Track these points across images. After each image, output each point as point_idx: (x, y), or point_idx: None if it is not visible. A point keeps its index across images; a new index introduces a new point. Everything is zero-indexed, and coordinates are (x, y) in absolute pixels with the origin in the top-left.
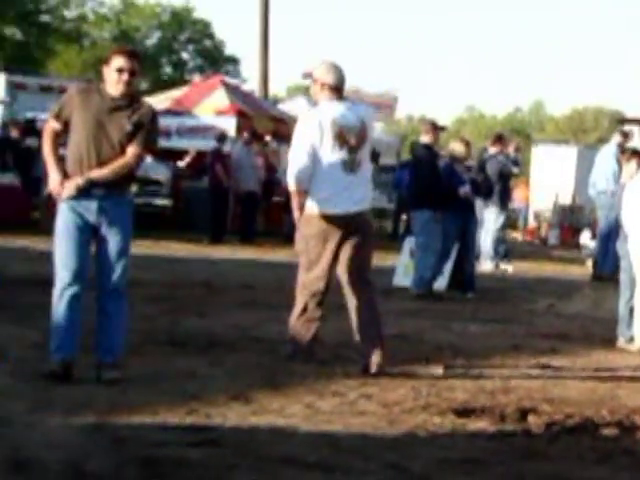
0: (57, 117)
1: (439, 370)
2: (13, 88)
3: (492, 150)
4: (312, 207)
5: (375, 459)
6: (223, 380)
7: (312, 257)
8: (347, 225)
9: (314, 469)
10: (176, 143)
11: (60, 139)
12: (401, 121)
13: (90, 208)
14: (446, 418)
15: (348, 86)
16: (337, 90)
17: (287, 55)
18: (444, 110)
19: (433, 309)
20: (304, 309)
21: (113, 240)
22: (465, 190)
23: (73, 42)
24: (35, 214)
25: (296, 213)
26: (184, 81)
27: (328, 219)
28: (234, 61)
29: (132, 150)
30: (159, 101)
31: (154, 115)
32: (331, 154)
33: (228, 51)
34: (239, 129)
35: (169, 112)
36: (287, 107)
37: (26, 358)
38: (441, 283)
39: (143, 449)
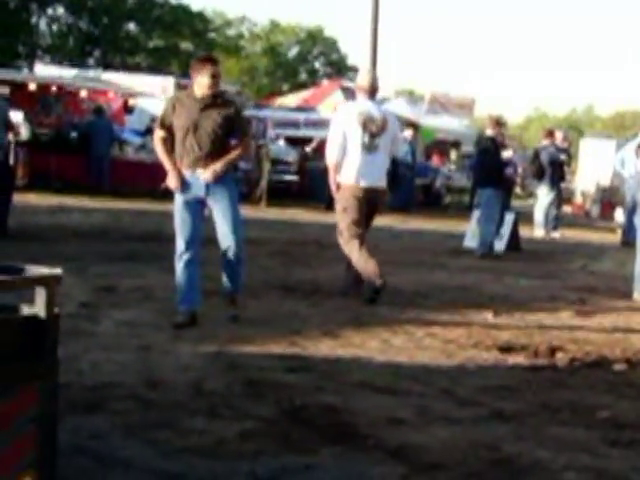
0: (162, 126)
1: (489, 315)
2: (181, 89)
3: (544, 142)
4: (346, 180)
5: (430, 385)
6: (319, 319)
7: (351, 218)
8: (368, 195)
9: (382, 392)
10: (303, 133)
11: (167, 144)
12: (480, 118)
13: (197, 190)
14: (491, 353)
15: (439, 90)
16: (368, 91)
17: (395, 63)
18: (516, 110)
19: (492, 266)
20: (360, 255)
21: (222, 210)
22: (509, 172)
23: (232, 54)
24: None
25: (333, 184)
26: (316, 85)
27: (357, 189)
28: (355, 70)
29: (243, 141)
30: (293, 100)
31: (237, 108)
32: (356, 137)
33: (350, 62)
34: None
35: (299, 108)
36: (391, 106)
37: (170, 299)
38: (500, 246)
39: (250, 372)
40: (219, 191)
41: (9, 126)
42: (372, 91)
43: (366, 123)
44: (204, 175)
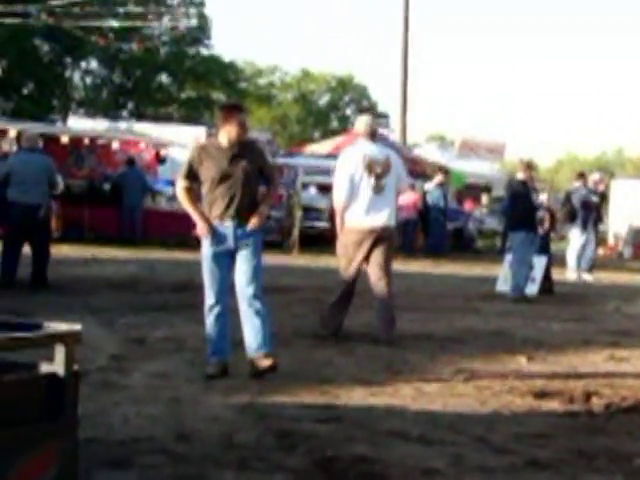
0: (186, 176)
1: (523, 360)
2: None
3: (576, 184)
4: (350, 221)
5: (465, 433)
6: (352, 367)
7: (350, 258)
8: (376, 235)
9: (416, 441)
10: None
11: (192, 193)
12: (511, 162)
13: (227, 241)
14: (525, 400)
15: (468, 135)
16: (368, 135)
17: (426, 109)
18: (547, 153)
19: (524, 310)
20: (339, 299)
21: (247, 259)
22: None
23: (264, 103)
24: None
25: (339, 226)
26: (346, 132)
27: (362, 231)
28: (385, 116)
29: (271, 188)
30: (325, 146)
31: (265, 156)
32: (363, 180)
33: (381, 108)
34: None
35: (331, 155)
36: (421, 151)
37: (201, 349)
38: (532, 289)
39: (281, 423)
40: (247, 243)
41: (53, 184)
42: (371, 134)
43: (371, 165)
44: (251, 224)
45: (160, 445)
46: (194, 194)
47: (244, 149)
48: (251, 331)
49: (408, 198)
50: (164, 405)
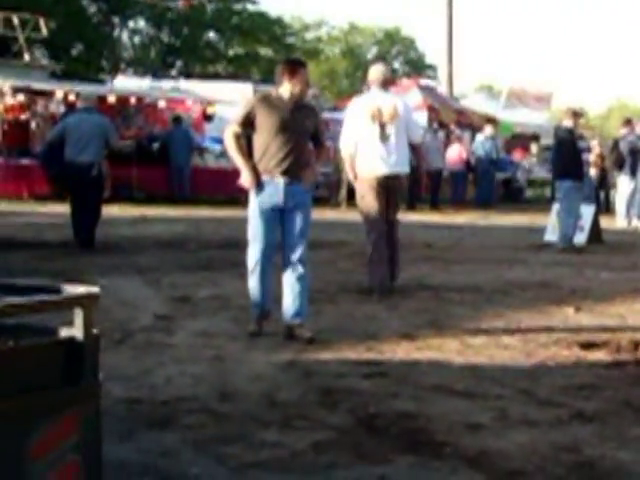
0: (242, 123)
1: (570, 311)
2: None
3: (623, 131)
4: (360, 171)
5: (509, 386)
6: (397, 322)
7: (369, 207)
8: (386, 183)
9: (459, 395)
10: None
11: (241, 141)
12: (559, 111)
13: (274, 195)
14: (572, 351)
15: (515, 85)
16: (379, 83)
17: (474, 59)
18: (597, 101)
19: (572, 260)
20: (374, 247)
21: (294, 220)
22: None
23: (311, 58)
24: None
25: (350, 174)
26: (393, 84)
27: (372, 179)
28: (433, 68)
29: (324, 146)
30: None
31: (318, 114)
32: (368, 127)
33: (428, 60)
34: (429, 120)
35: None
36: (468, 102)
37: (245, 307)
38: (581, 238)
39: (325, 380)
40: (298, 202)
41: (109, 143)
42: (384, 83)
43: (375, 114)
44: (306, 180)
45: (203, 404)
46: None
47: (303, 106)
48: (290, 295)
49: (454, 150)
50: (207, 364)
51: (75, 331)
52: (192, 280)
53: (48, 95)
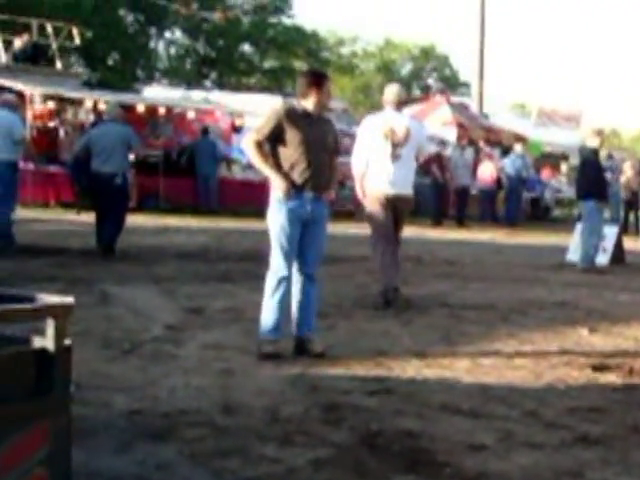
0: (268, 136)
1: (585, 332)
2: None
3: None
4: (369, 188)
5: (517, 407)
6: (409, 339)
7: (378, 222)
8: (393, 202)
9: (464, 415)
10: None
11: (264, 150)
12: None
13: (301, 208)
14: (583, 372)
15: (545, 104)
16: (393, 103)
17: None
18: (631, 123)
19: (593, 281)
20: (384, 254)
21: (315, 235)
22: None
23: (346, 72)
24: None
25: (359, 192)
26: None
27: (380, 197)
28: (466, 85)
29: (337, 160)
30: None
31: (334, 124)
32: (380, 146)
33: (462, 77)
34: (458, 137)
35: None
36: (498, 120)
37: (258, 320)
38: (603, 259)
39: (330, 396)
40: (320, 217)
41: (132, 150)
42: (398, 103)
43: (387, 133)
44: (328, 195)
45: (205, 417)
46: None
47: (324, 120)
48: (303, 309)
49: (486, 168)
50: (214, 377)
51: (47, 342)
52: (208, 291)
53: (78, 103)
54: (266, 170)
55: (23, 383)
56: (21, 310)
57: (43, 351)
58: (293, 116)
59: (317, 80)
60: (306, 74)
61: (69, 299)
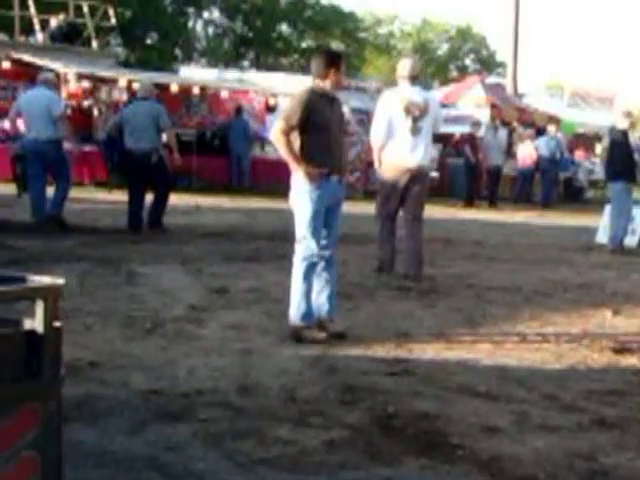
0: (299, 122)
1: (608, 314)
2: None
3: None
4: (387, 160)
5: (535, 389)
6: (431, 320)
7: (387, 194)
8: (410, 174)
9: (482, 397)
10: (443, 129)
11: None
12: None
13: (330, 192)
14: (604, 355)
15: (579, 84)
16: (409, 78)
17: (542, 58)
18: None
19: (620, 262)
20: (383, 231)
21: (336, 217)
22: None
23: (383, 53)
24: None
25: (377, 163)
26: (459, 80)
27: (398, 169)
28: (503, 66)
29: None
30: (435, 95)
31: None
32: (400, 121)
33: (499, 58)
34: (492, 117)
35: (440, 103)
36: (532, 100)
37: (281, 300)
38: (632, 241)
39: (348, 377)
40: (340, 198)
41: (162, 129)
42: (412, 77)
43: (409, 108)
44: (347, 177)
45: (221, 398)
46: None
47: (337, 98)
48: (325, 291)
49: (525, 149)
50: (234, 357)
51: (36, 323)
52: (234, 271)
53: (112, 82)
54: (294, 161)
55: (11, 365)
56: (8, 292)
57: (32, 333)
58: (317, 100)
59: (336, 60)
60: (324, 53)
61: (59, 280)
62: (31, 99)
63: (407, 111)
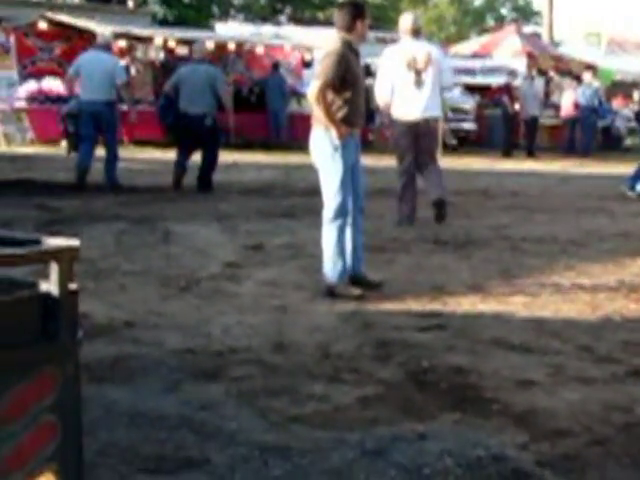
0: (331, 78)
1: None
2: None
3: None
4: (395, 115)
5: (570, 341)
6: (467, 273)
7: (401, 150)
8: (421, 126)
9: (517, 350)
10: (480, 80)
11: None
12: None
13: (354, 147)
14: None
15: (616, 32)
16: (411, 32)
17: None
18: None
19: None
20: (401, 190)
21: (360, 170)
22: None
23: (420, 4)
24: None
25: (385, 120)
26: (494, 30)
27: (406, 123)
28: (539, 15)
29: None
30: (470, 45)
31: None
32: (404, 75)
33: (535, 7)
34: (528, 67)
35: (475, 55)
36: (568, 49)
37: (316, 256)
38: None
39: (382, 332)
40: (359, 149)
41: (218, 94)
42: (415, 31)
43: (411, 62)
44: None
45: (255, 356)
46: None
47: (358, 50)
48: (355, 248)
49: (568, 99)
50: (268, 314)
51: (51, 286)
52: (269, 228)
53: (148, 41)
54: (331, 122)
55: (26, 329)
56: (21, 255)
57: (47, 296)
58: (350, 55)
59: (361, 11)
60: (349, 5)
61: (75, 242)
62: (93, 61)
63: (409, 65)
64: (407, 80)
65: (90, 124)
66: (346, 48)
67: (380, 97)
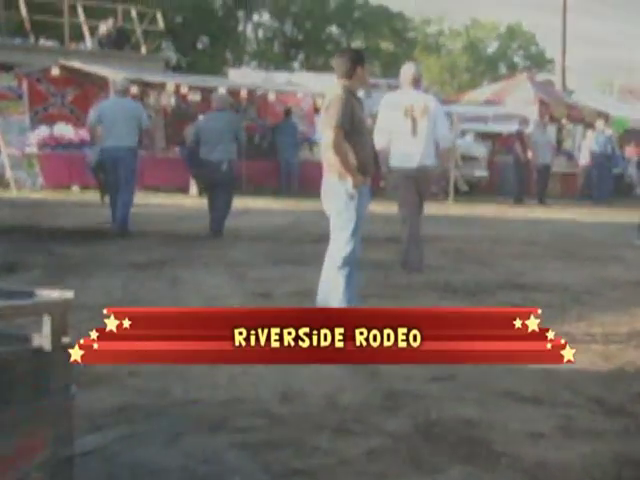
0: (342, 124)
1: None
2: (369, 88)
3: None
4: (391, 163)
5: (581, 392)
6: None
7: (400, 198)
8: (416, 175)
9: (527, 402)
10: (492, 127)
11: None
12: None
13: (366, 196)
14: None
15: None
16: (411, 82)
17: (591, 55)
18: None
19: None
20: (402, 232)
21: (363, 222)
22: None
23: (433, 52)
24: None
25: (383, 167)
26: (507, 78)
27: (400, 171)
28: (552, 63)
29: None
30: (482, 93)
31: None
32: (401, 122)
33: (548, 55)
34: (540, 115)
35: (488, 102)
36: (581, 97)
37: None
38: None
39: (391, 382)
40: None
41: (238, 140)
42: (415, 81)
43: (409, 110)
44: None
45: (260, 407)
46: None
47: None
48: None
49: (587, 146)
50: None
51: (43, 340)
52: (278, 274)
53: (160, 87)
54: (346, 167)
55: (17, 385)
56: (15, 307)
57: (39, 351)
58: (353, 100)
59: (361, 58)
60: (349, 53)
61: (68, 294)
62: (115, 108)
63: (407, 113)
64: (404, 128)
65: (115, 171)
66: (348, 94)
67: (377, 143)
